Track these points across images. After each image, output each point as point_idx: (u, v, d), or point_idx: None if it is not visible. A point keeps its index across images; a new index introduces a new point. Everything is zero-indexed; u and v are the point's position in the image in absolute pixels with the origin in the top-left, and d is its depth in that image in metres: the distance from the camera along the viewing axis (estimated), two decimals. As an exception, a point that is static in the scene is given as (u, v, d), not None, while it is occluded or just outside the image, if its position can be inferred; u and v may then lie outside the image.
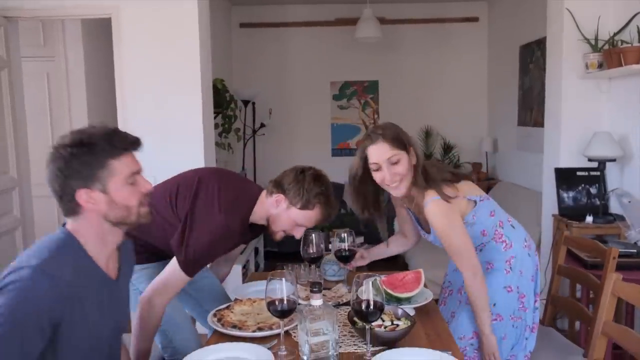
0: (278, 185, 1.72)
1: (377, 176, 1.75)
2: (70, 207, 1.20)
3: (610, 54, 2.83)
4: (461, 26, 5.96)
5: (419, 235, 2.05)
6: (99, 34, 4.37)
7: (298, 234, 1.75)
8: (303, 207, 1.68)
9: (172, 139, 3.35)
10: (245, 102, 5.53)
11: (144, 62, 3.31)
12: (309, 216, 1.70)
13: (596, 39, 3.01)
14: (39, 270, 1.11)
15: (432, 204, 1.70)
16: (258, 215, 1.76)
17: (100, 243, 1.25)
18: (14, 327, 1.07)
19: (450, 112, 6.04)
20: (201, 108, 3.38)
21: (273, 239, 1.79)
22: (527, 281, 1.84)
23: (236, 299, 1.76)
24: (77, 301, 1.16)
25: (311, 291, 1.35)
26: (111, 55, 3.40)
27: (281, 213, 1.71)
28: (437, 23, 5.95)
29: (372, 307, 1.32)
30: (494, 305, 1.78)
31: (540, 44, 4.23)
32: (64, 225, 1.25)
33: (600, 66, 3.02)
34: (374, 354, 1.36)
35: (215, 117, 4.54)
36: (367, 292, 1.32)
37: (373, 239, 5.10)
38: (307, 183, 1.68)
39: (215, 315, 1.61)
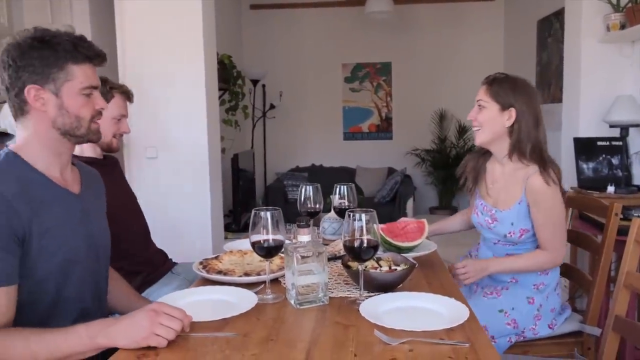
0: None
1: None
2: (18, 103, 1.14)
3: (634, 11, 2.65)
4: (476, 5, 5.79)
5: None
6: (106, 10, 4.31)
7: (126, 127, 1.83)
8: (107, 100, 1.68)
9: (176, 111, 3.27)
10: (255, 82, 5.44)
11: (147, 34, 3.24)
12: (118, 104, 1.79)
13: (618, -2, 2.84)
14: None
15: (543, 173, 1.62)
16: (83, 148, 1.76)
17: (49, 154, 1.18)
18: None
19: (465, 94, 5.81)
20: (204, 80, 3.28)
21: (116, 150, 1.83)
22: (548, 311, 1.72)
23: (227, 251, 1.65)
24: (34, 214, 1.09)
25: (298, 226, 1.23)
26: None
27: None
28: (452, 2, 5.78)
29: (365, 244, 1.20)
30: (512, 309, 1.67)
31: (559, 15, 4.05)
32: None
33: (623, 27, 2.84)
34: (367, 298, 1.24)
35: (222, 94, 4.46)
36: (362, 227, 1.20)
37: (384, 222, 4.98)
38: None
39: (201, 263, 1.51)
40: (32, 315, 1.13)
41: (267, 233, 1.25)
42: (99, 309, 1.31)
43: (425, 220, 1.66)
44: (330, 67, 6.00)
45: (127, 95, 1.86)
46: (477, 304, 1.65)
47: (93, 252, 1.27)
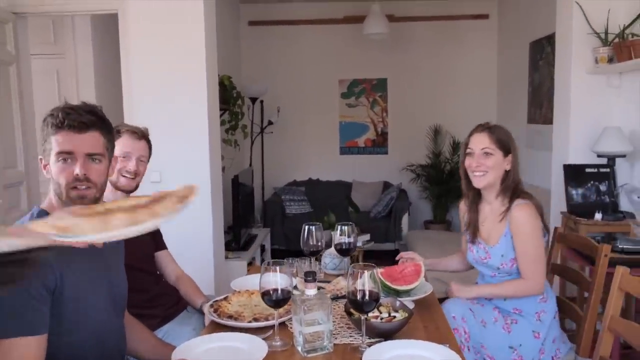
0: None
1: (467, 161, 1.89)
2: None
3: (620, 47, 2.78)
4: (471, 24, 5.91)
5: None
6: (108, 31, 4.39)
7: (131, 164, 1.88)
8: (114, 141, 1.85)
9: (178, 134, 3.35)
10: (253, 100, 5.53)
11: (150, 57, 3.32)
12: (123, 142, 1.87)
13: (606, 33, 2.96)
14: None
15: (525, 205, 1.82)
16: (106, 192, 1.90)
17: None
18: (16, 299, 1.12)
19: (460, 110, 5.98)
20: (207, 104, 3.37)
21: (124, 189, 1.90)
22: (550, 343, 1.86)
23: (234, 291, 1.74)
24: (63, 267, 1.19)
25: (305, 280, 1.33)
26: (119, 52, 3.41)
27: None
28: (446, 20, 5.90)
29: (367, 297, 1.30)
30: (520, 345, 1.81)
31: (551, 39, 4.17)
32: None
33: (610, 60, 2.97)
34: (370, 345, 1.34)
35: (222, 114, 4.54)
36: (364, 282, 1.30)
37: (379, 237, 5.09)
38: None
39: (212, 305, 1.60)
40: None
41: (276, 285, 1.35)
42: (119, 352, 1.41)
43: (421, 263, 1.76)
44: (327, 83, 6.11)
45: (133, 134, 1.93)
46: (495, 335, 1.81)
47: (115, 300, 1.37)
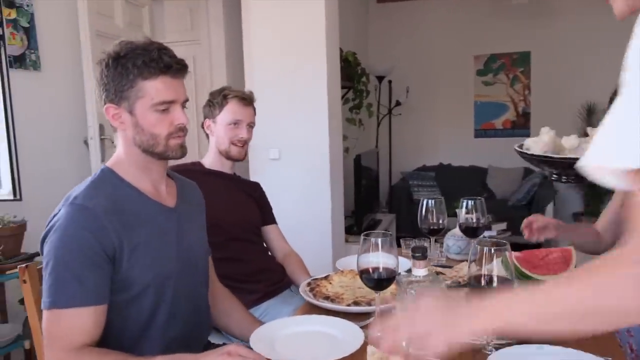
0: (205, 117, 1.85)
1: None
2: (109, 120, 1.15)
3: None
4: (638, -19, 5.00)
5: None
6: (239, 15, 4.46)
7: (243, 132, 1.79)
8: (222, 108, 1.78)
9: (298, 112, 3.26)
10: (380, 78, 5.28)
11: (271, 36, 3.27)
12: (232, 109, 1.78)
13: None
14: (72, 206, 1.06)
15: None
16: (212, 159, 1.83)
17: (138, 169, 1.16)
18: (71, 265, 1.03)
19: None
20: (326, 80, 3.21)
21: (236, 159, 1.82)
22: None
23: (338, 270, 1.53)
24: (125, 229, 1.08)
25: (413, 257, 1.06)
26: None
27: (216, 132, 1.80)
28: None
29: (495, 283, 0.99)
30: None
31: None
32: None
33: None
34: (497, 349, 1.03)
35: (346, 92, 4.38)
36: (492, 264, 1.00)
37: (518, 228, 4.54)
38: (210, 96, 1.83)
39: (309, 284, 1.40)
40: (129, 330, 1.12)
41: (378, 262, 1.10)
42: (197, 325, 1.27)
43: (572, 249, 1.38)
44: (460, 60, 5.63)
45: (242, 100, 1.81)
46: None
47: (188, 266, 1.23)
